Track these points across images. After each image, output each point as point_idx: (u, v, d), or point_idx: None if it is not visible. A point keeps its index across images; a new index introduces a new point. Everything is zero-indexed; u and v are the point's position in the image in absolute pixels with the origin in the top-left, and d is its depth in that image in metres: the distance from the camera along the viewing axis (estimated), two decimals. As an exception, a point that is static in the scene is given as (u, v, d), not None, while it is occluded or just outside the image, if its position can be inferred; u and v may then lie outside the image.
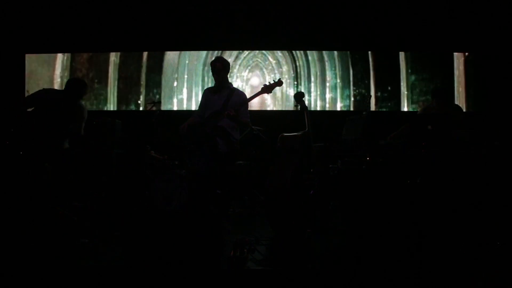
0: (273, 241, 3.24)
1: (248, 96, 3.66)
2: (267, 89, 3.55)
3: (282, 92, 6.26)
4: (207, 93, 3.80)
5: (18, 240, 2.64)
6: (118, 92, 6.40)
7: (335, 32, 6.18)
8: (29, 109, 3.80)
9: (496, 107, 6.00)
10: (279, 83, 3.58)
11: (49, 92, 3.84)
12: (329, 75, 6.25)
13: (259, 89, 3.59)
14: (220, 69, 3.63)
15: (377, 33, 6.15)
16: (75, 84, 3.92)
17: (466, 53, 6.16)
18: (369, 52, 6.23)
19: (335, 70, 6.25)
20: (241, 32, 6.21)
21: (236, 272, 2.46)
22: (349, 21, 6.15)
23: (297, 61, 6.28)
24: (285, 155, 3.62)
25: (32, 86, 6.29)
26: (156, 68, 6.37)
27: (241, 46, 6.30)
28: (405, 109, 6.17)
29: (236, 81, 6.24)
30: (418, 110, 4.72)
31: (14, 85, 6.29)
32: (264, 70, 6.30)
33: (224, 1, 6.11)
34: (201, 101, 3.86)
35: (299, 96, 3.71)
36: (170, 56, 6.36)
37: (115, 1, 6.15)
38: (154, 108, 5.20)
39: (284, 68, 6.29)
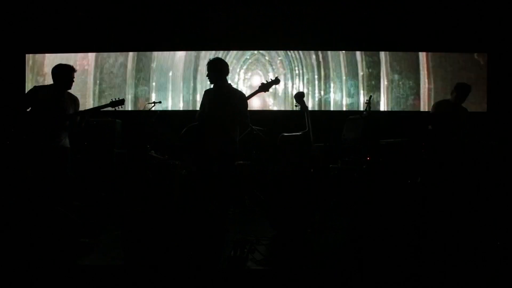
0: (273, 241, 3.24)
1: (246, 95, 3.66)
2: (265, 87, 3.54)
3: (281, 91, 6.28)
4: (206, 94, 3.80)
5: (18, 240, 2.64)
6: (117, 92, 6.40)
7: (340, 32, 6.19)
8: (27, 109, 3.74)
9: (496, 107, 6.00)
10: (276, 81, 3.58)
11: (39, 90, 3.79)
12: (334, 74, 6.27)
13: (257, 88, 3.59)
14: (216, 70, 3.62)
15: (384, 33, 6.16)
16: (60, 69, 3.76)
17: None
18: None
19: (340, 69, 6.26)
20: (241, 32, 6.22)
21: (236, 272, 2.47)
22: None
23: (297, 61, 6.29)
24: (285, 155, 3.62)
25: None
26: (156, 68, 6.37)
27: (241, 46, 6.30)
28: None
29: (237, 81, 6.25)
30: (432, 106, 4.63)
31: (14, 85, 6.29)
32: (267, 68, 6.30)
33: (225, 1, 6.11)
34: (201, 102, 3.85)
35: (299, 96, 3.71)
36: (171, 56, 6.36)
37: (114, 2, 6.15)
38: (154, 108, 5.20)
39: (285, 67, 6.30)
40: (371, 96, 4.51)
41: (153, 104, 5.23)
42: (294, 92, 4.53)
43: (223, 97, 3.58)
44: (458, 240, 2.81)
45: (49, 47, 6.33)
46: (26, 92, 3.78)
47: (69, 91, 3.86)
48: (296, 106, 3.75)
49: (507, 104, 5.88)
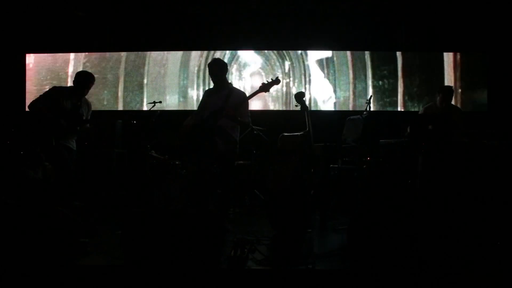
0: (273, 241, 3.24)
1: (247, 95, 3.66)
2: (265, 87, 3.54)
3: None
4: (206, 94, 3.81)
5: (18, 240, 2.64)
6: (118, 92, 6.40)
7: (334, 32, 6.19)
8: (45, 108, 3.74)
9: (497, 107, 6.00)
10: (276, 81, 3.58)
11: (60, 92, 3.82)
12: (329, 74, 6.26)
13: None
14: (217, 70, 3.64)
15: (375, 34, 6.16)
16: (84, 77, 3.89)
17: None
18: (367, 52, 6.22)
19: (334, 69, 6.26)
20: (241, 32, 6.22)
21: (236, 272, 2.46)
22: (348, 22, 6.16)
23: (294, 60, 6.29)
24: (285, 155, 3.62)
25: (34, 86, 6.31)
26: (156, 68, 6.36)
27: (241, 46, 6.30)
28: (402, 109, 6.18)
29: (236, 81, 6.25)
30: (421, 109, 4.71)
31: (14, 85, 6.29)
32: (267, 68, 6.30)
33: (225, 1, 6.11)
34: (200, 102, 3.86)
35: (299, 96, 3.71)
36: (171, 56, 6.35)
37: (115, 1, 6.15)
38: (154, 108, 5.19)
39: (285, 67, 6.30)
40: (371, 96, 4.51)
41: (153, 104, 5.22)
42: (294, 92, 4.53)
43: (223, 96, 3.59)
44: (458, 240, 2.80)
45: (49, 47, 6.33)
46: (47, 90, 3.85)
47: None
48: (296, 106, 3.75)
49: (507, 104, 5.88)
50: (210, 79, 3.76)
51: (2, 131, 5.53)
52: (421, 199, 3.97)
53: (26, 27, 6.24)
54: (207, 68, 3.84)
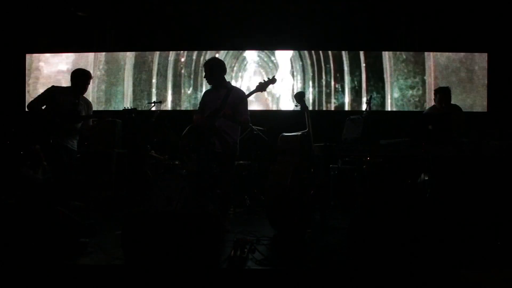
0: (273, 241, 3.24)
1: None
2: (262, 87, 3.54)
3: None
4: (206, 94, 3.81)
5: (18, 240, 2.64)
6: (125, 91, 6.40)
7: (341, 31, 6.19)
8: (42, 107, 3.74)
9: (497, 107, 6.00)
10: (272, 80, 3.57)
11: (58, 91, 3.83)
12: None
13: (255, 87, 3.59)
14: (209, 69, 3.64)
15: (373, 33, 6.17)
16: (81, 75, 3.89)
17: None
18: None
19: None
20: (241, 31, 6.22)
21: (236, 272, 2.46)
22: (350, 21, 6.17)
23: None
24: (285, 155, 3.62)
25: (35, 86, 6.32)
26: (156, 68, 6.36)
27: (240, 46, 6.30)
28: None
29: (235, 80, 6.25)
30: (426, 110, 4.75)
31: (14, 85, 6.29)
32: (266, 68, 6.30)
33: (225, 1, 6.11)
34: (200, 102, 3.86)
35: (299, 96, 3.70)
36: (172, 56, 6.35)
37: (115, 1, 6.15)
38: (154, 108, 5.20)
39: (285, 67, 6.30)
40: (371, 96, 4.51)
41: (153, 104, 5.22)
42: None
43: (221, 96, 3.59)
44: (459, 240, 2.80)
45: (49, 47, 6.33)
46: (44, 90, 3.84)
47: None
48: (296, 106, 3.75)
49: (508, 104, 5.88)
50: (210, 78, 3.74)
51: (2, 131, 5.54)
52: (423, 198, 3.98)
53: (26, 27, 6.24)
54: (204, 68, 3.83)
